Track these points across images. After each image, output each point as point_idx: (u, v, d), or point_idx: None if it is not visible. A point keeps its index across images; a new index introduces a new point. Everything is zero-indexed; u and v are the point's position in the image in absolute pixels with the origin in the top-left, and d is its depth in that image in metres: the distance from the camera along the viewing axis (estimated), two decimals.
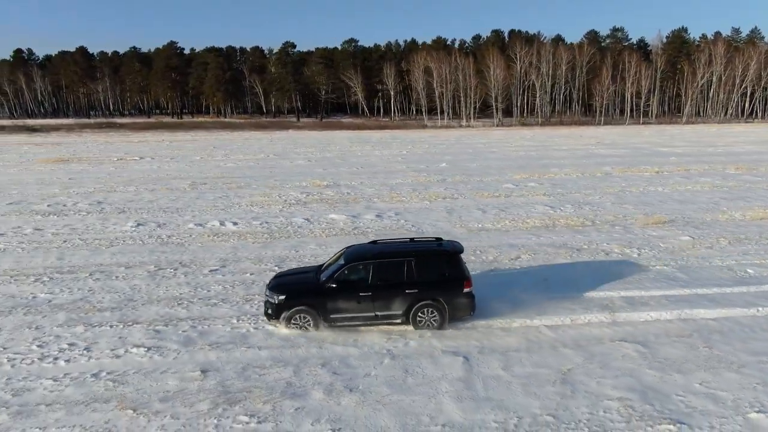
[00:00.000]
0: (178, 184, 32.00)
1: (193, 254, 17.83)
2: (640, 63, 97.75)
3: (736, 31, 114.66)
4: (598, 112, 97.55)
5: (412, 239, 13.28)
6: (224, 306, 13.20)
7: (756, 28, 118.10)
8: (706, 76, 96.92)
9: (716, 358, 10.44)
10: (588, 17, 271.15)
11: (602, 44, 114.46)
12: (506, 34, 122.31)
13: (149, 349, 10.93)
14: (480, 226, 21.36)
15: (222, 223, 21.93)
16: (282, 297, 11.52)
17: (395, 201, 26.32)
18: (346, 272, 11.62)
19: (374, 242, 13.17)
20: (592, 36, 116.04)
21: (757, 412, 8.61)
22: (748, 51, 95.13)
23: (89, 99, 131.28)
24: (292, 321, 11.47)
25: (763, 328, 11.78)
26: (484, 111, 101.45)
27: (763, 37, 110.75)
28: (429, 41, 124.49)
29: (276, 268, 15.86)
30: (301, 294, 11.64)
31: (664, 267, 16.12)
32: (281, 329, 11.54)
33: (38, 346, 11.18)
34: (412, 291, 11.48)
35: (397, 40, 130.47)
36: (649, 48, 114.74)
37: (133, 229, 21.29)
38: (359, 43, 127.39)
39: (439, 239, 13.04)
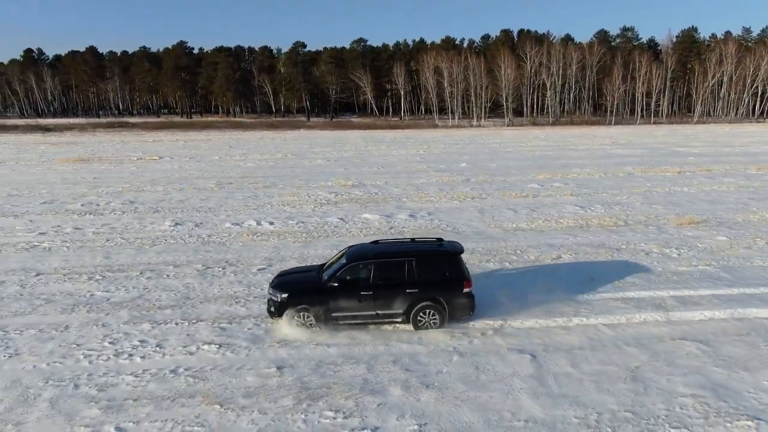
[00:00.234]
0: (204, 184, 32.25)
1: (237, 254, 18.05)
2: (651, 63, 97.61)
3: (747, 30, 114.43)
4: (608, 111, 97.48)
5: (413, 239, 13.46)
6: None
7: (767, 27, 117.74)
8: (717, 76, 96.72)
9: None
10: (596, 16, 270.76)
11: (612, 44, 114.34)
12: (515, 34, 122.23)
13: (220, 346, 11.16)
14: (514, 226, 21.52)
15: (258, 223, 22.15)
16: (285, 295, 11.72)
17: (424, 201, 26.50)
18: (347, 271, 11.80)
19: (376, 242, 13.35)
20: (602, 36, 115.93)
21: None
22: (759, 50, 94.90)
23: (98, 98, 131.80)
24: (295, 319, 11.62)
25: None
26: (494, 111, 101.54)
27: None
28: (438, 41, 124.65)
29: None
30: (303, 292, 11.82)
31: (707, 267, 16.26)
32: (285, 327, 11.68)
33: (110, 342, 11.41)
34: (413, 291, 11.62)
35: (405, 40, 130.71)
36: (659, 48, 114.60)
37: (172, 228, 21.53)
38: (368, 43, 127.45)
39: (439, 240, 13.19)
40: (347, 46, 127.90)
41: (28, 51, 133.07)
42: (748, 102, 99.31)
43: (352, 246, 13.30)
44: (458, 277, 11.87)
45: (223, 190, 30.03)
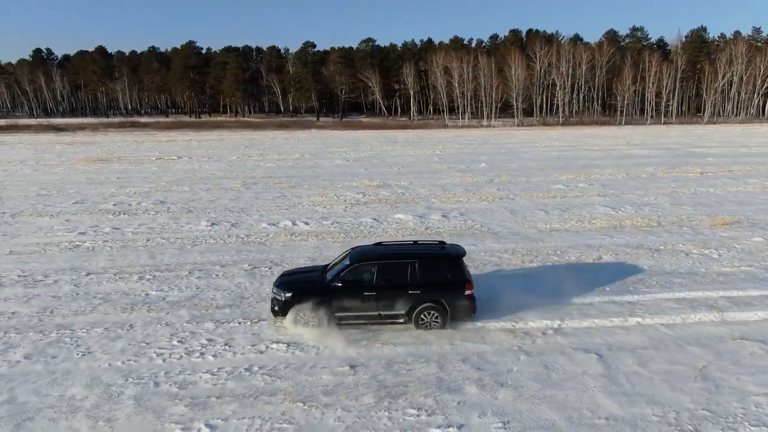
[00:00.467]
0: (230, 184, 32.45)
1: (280, 254, 18.23)
2: (661, 63, 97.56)
3: (757, 30, 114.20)
4: (618, 112, 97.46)
5: (415, 242, 13.65)
6: None
7: None
8: (728, 76, 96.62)
9: None
10: (604, 16, 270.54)
11: (621, 44, 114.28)
12: (524, 34, 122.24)
13: (288, 345, 11.33)
14: (548, 226, 21.65)
15: (294, 223, 22.33)
16: (288, 294, 11.89)
17: (453, 201, 26.65)
18: (351, 272, 11.97)
19: (379, 244, 13.54)
20: (612, 35, 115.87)
21: None
22: None
23: (107, 98, 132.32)
24: (299, 318, 11.77)
25: None
26: (503, 111, 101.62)
27: None
28: (446, 41, 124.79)
29: None
30: (307, 292, 11.94)
31: (750, 268, 16.38)
32: (288, 326, 11.84)
33: (179, 341, 11.59)
34: (415, 292, 11.77)
35: (413, 40, 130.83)
36: (668, 48, 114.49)
37: (209, 228, 21.72)
38: (376, 43, 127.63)
39: (442, 242, 13.32)
40: (354, 46, 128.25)
41: (37, 51, 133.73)
42: (759, 102, 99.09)
43: (356, 247, 13.48)
44: (460, 280, 12.01)
45: (249, 191, 30.21)
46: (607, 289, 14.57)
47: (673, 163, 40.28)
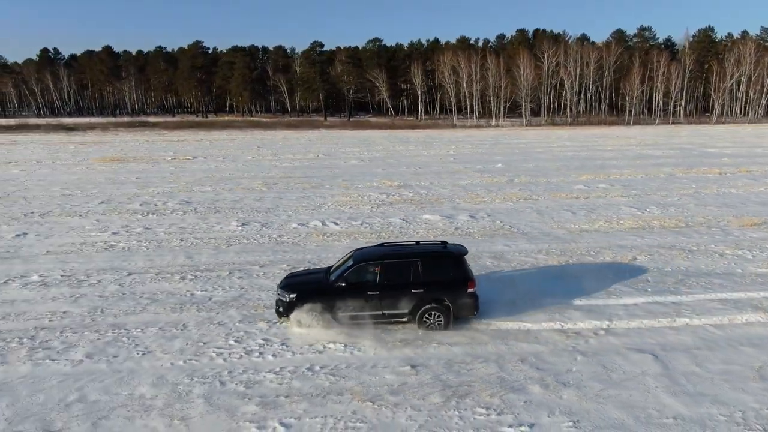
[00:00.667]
0: (250, 184, 32.60)
1: (316, 254, 18.36)
2: (669, 63, 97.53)
3: (766, 30, 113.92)
4: (627, 112, 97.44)
5: (417, 242, 13.77)
6: None
7: None
8: (736, 76, 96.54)
9: None
10: (611, 16, 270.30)
11: (629, 43, 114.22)
12: (530, 34, 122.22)
13: (345, 345, 11.45)
14: (577, 227, 21.75)
15: (323, 223, 22.46)
16: (293, 295, 12.02)
17: (478, 202, 26.75)
18: (354, 272, 12.09)
19: (382, 244, 13.69)
20: (619, 35, 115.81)
21: None
22: None
23: (114, 98, 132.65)
24: (303, 319, 11.89)
25: None
26: (511, 111, 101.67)
27: None
28: (453, 40, 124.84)
29: None
30: (311, 293, 12.08)
31: None
32: (293, 327, 11.96)
33: (235, 341, 11.73)
34: (418, 291, 11.92)
35: (419, 39, 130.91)
36: (675, 47, 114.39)
37: (239, 228, 21.86)
38: (382, 43, 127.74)
39: (444, 242, 13.43)
40: (360, 46, 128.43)
41: (44, 51, 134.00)
42: (767, 102, 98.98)
43: (359, 248, 13.61)
44: (462, 278, 12.17)
45: (272, 191, 30.36)
46: (649, 289, 14.67)
47: (690, 163, 40.32)
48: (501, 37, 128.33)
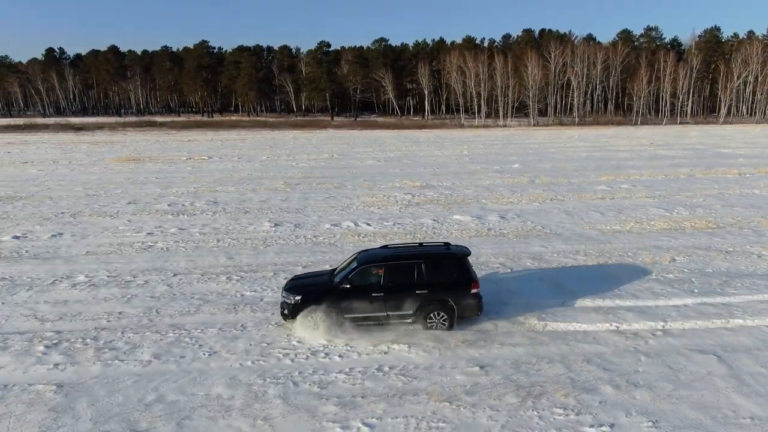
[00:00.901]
0: (272, 185, 32.71)
1: None
2: (676, 63, 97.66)
3: None
4: (634, 112, 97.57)
5: (420, 243, 13.85)
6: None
7: None
8: (743, 76, 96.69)
9: None
10: (616, 16, 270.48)
11: (635, 43, 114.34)
12: (536, 33, 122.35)
13: (409, 346, 11.57)
14: (609, 228, 21.86)
15: (356, 224, 22.56)
16: (298, 298, 12.10)
17: (504, 202, 26.86)
18: (359, 274, 12.17)
19: (385, 246, 13.78)
20: (626, 35, 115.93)
21: None
22: None
23: (119, 97, 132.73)
24: (308, 321, 11.92)
25: None
26: (517, 111, 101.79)
27: None
28: (458, 40, 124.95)
29: None
30: (316, 295, 12.15)
31: None
32: (298, 329, 12.02)
33: (298, 342, 11.84)
34: (422, 292, 12.04)
35: (425, 39, 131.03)
36: (682, 47, 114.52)
37: (273, 229, 21.97)
38: (388, 42, 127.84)
39: (447, 243, 13.54)
40: (364, 46, 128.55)
41: (50, 50, 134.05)
42: None
43: (363, 251, 13.73)
44: (466, 279, 12.28)
45: (295, 191, 30.46)
46: (695, 291, 14.78)
47: (707, 164, 40.44)
48: (507, 36, 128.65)
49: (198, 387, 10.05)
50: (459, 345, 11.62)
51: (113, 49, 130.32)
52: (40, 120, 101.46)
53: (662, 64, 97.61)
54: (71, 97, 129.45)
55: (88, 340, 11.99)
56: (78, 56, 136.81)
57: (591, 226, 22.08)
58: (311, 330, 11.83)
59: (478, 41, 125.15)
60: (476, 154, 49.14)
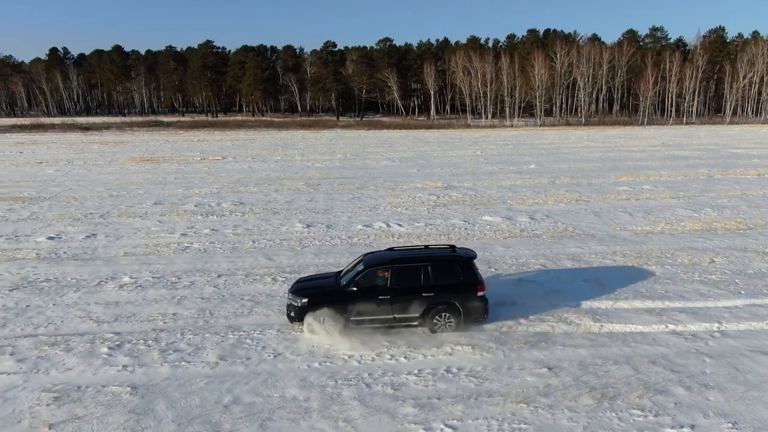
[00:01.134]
0: (293, 185, 32.76)
1: None
2: (682, 63, 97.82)
3: None
4: (641, 112, 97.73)
5: (426, 246, 13.91)
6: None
7: None
8: (749, 76, 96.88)
9: None
10: (620, 16, 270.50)
11: (641, 44, 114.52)
12: (541, 34, 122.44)
13: (473, 347, 11.63)
14: (641, 228, 21.93)
15: (387, 225, 22.62)
16: (305, 300, 12.14)
17: (530, 203, 26.92)
18: (365, 277, 12.20)
19: (391, 249, 13.84)
20: (631, 35, 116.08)
21: None
22: None
23: (123, 97, 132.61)
24: (315, 323, 12.00)
25: None
26: (523, 111, 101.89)
27: None
28: (463, 40, 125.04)
29: (491, 269, 16.60)
30: (322, 297, 12.18)
31: None
32: (305, 331, 12.11)
33: (360, 343, 11.87)
34: (429, 295, 12.08)
35: (429, 39, 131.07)
36: (687, 47, 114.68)
37: (305, 229, 22.02)
38: (393, 42, 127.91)
39: (452, 246, 13.59)
40: (368, 46, 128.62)
41: (53, 50, 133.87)
42: None
43: (369, 253, 13.78)
44: (472, 282, 12.31)
45: (318, 192, 30.50)
46: (742, 292, 14.86)
47: (724, 164, 40.54)
48: (511, 36, 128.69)
49: (271, 389, 10.11)
50: (521, 346, 11.68)
51: (117, 48, 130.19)
52: (46, 120, 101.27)
53: (668, 65, 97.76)
54: (75, 97, 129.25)
55: (150, 342, 12.03)
56: (82, 56, 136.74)
57: (622, 227, 22.16)
58: (317, 332, 11.87)
59: (482, 41, 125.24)
60: (490, 155, 49.19)
